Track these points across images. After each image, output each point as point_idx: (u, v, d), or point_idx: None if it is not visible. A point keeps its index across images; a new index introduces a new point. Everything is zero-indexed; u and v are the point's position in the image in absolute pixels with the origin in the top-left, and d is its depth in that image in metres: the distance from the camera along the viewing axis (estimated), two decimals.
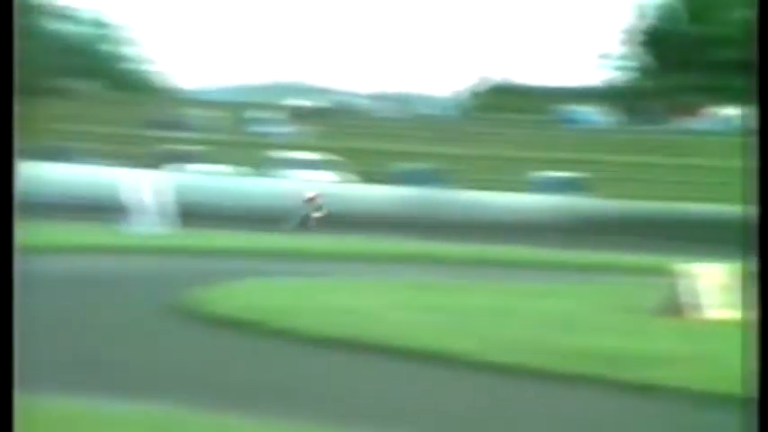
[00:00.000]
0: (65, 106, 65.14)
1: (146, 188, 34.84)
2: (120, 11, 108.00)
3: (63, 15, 77.99)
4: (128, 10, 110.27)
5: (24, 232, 27.48)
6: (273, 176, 52.35)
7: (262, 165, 53.90)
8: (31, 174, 47.47)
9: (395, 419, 9.62)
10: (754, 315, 6.40)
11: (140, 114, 64.21)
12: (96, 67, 79.60)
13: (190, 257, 26.45)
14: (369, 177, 52.35)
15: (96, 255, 26.02)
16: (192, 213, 36.87)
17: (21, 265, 22.41)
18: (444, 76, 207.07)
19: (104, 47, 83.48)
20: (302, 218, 40.15)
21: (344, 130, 62.54)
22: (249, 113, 67.17)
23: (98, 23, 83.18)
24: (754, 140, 6.77)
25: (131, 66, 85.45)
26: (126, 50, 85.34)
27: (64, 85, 71.85)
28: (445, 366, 12.26)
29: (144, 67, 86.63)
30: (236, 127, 63.84)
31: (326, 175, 52.76)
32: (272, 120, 66.61)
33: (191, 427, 8.16)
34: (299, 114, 68.29)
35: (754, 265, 6.63)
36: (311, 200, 40.83)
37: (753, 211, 6.69)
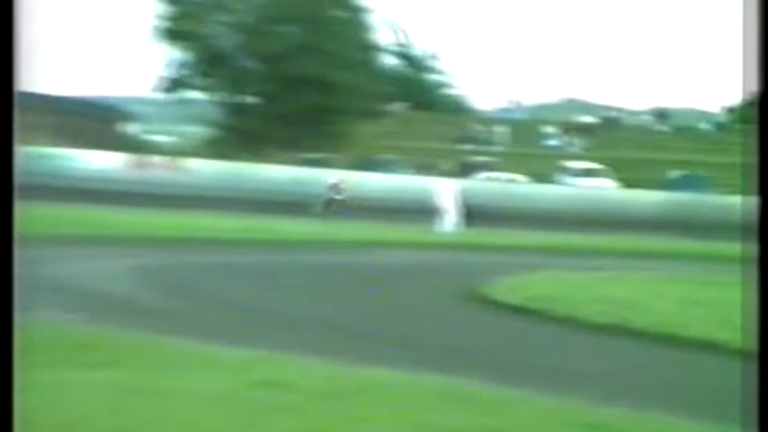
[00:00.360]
0: (384, 126, 66.49)
1: (449, 194, 35.14)
2: (430, 43, 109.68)
3: (386, 50, 79.65)
4: (436, 43, 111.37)
5: (358, 231, 28.02)
6: (557, 183, 52.07)
7: (546, 173, 53.67)
8: (356, 182, 48.67)
9: (663, 399, 9.37)
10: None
11: (446, 132, 64.95)
12: (411, 92, 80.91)
13: (486, 253, 26.55)
14: (637, 184, 51.42)
15: (411, 249, 26.46)
16: (486, 215, 37.04)
17: (353, 258, 22.86)
18: (705, 92, 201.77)
19: (418, 75, 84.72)
20: (326, 202, 39.75)
21: (616, 142, 61.71)
22: (535, 128, 67.01)
23: (413, 56, 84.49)
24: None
25: (440, 90, 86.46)
26: (435, 77, 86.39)
27: (385, 109, 73.31)
28: (708, 353, 11.92)
29: (450, 90, 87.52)
30: (525, 140, 63.79)
31: (602, 181, 52.11)
32: (555, 134, 66.24)
33: (479, 399, 8.11)
34: (577, 129, 67.74)
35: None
36: (334, 186, 40.52)
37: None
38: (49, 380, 7.62)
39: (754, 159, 5.91)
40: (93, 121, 71.73)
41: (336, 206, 39.30)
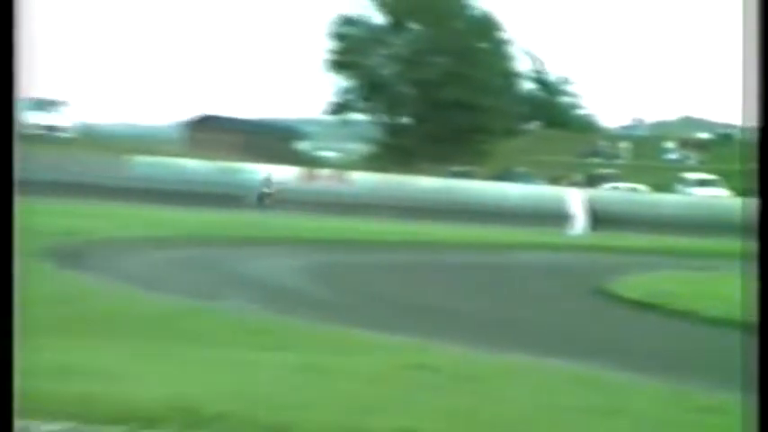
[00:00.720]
0: (521, 142, 66.01)
1: (578, 201, 34.74)
2: (563, 68, 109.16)
3: (524, 76, 79.33)
4: (569, 67, 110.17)
5: (496, 235, 27.65)
6: (675, 192, 51.01)
7: (665, 184, 52.62)
8: (490, 190, 48.47)
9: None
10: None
11: (576, 147, 64.21)
12: (545, 113, 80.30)
13: (610, 254, 26.11)
14: (748, 193, 49.94)
15: (543, 251, 26.19)
16: (611, 220, 36.48)
17: (490, 259, 22.66)
18: None
19: (552, 97, 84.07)
20: (258, 195, 38.55)
21: (729, 155, 60.15)
22: (655, 144, 65.73)
23: (548, 80, 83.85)
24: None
25: (571, 110, 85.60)
26: (567, 99, 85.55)
27: (522, 128, 72.84)
28: None
29: (580, 110, 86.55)
30: (646, 154, 62.66)
31: (716, 191, 50.79)
32: (673, 148, 64.86)
33: (604, 383, 7.96)
34: (694, 144, 66.21)
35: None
36: (265, 180, 39.39)
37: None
38: (234, 359, 7.77)
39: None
40: (272, 139, 73.05)
41: (268, 199, 38.55)
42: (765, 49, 4.94)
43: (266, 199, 38.33)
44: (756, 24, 5.01)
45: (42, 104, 68.76)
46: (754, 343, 4.64)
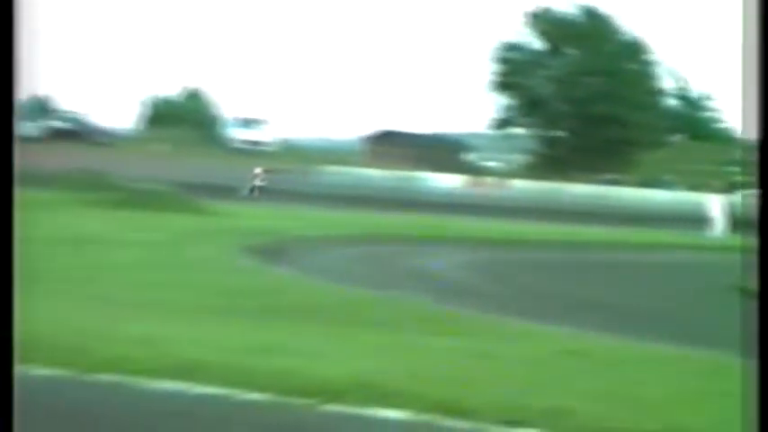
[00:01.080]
0: (666, 153, 64.14)
1: (718, 206, 33.57)
2: (705, 85, 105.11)
3: (669, 93, 77.21)
4: (707, 84, 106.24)
5: (640, 236, 26.81)
6: None
7: None
8: (637, 196, 47.25)
9: None
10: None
11: (716, 157, 62.10)
12: (688, 126, 77.89)
13: (746, 254, 25.03)
14: None
15: (686, 251, 25.37)
16: (749, 224, 35.03)
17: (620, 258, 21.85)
18: None
19: (695, 112, 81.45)
20: (250, 188, 36.25)
21: None
22: None
23: (691, 97, 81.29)
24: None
25: (712, 124, 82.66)
26: (709, 114, 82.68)
27: (667, 140, 70.76)
28: None
29: (720, 124, 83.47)
30: None
31: None
32: None
33: (740, 371, 7.66)
34: None
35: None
36: (256, 174, 37.07)
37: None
38: (407, 342, 7.86)
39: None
40: (442, 151, 73.26)
41: (259, 192, 37.21)
42: (765, 51, 4.56)
43: (256, 191, 37.84)
44: (756, 28, 4.62)
45: (248, 122, 71.44)
46: None
